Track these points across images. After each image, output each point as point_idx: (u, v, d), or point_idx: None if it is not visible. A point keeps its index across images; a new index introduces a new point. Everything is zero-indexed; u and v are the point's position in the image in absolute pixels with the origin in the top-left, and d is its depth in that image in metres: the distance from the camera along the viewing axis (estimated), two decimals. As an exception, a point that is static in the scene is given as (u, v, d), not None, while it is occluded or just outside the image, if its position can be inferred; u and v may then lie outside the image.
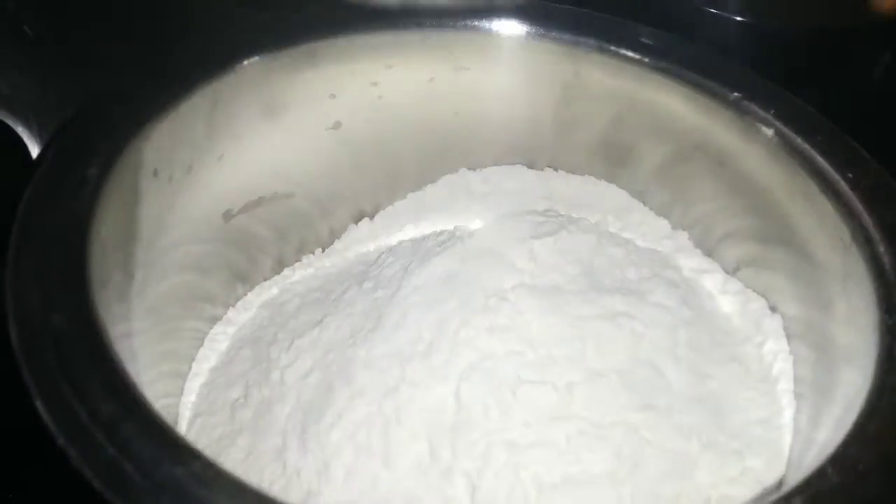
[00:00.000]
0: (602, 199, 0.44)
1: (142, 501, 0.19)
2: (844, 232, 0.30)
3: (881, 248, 0.29)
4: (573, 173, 0.44)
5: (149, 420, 0.20)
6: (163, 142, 0.32)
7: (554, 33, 0.39)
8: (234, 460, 0.33)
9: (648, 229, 0.42)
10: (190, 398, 0.37)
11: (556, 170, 0.44)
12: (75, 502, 0.23)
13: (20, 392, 0.22)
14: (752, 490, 0.30)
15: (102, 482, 0.19)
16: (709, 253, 0.41)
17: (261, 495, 0.19)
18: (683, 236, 0.42)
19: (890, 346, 0.25)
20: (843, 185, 0.31)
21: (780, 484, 0.30)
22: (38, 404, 0.20)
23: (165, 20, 0.41)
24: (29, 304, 0.23)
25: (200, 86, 0.34)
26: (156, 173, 0.32)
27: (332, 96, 0.40)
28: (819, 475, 0.21)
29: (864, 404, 0.23)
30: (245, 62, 0.36)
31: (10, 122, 0.38)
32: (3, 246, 0.25)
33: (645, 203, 0.43)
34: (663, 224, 0.42)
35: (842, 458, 0.21)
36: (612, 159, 0.43)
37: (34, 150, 0.38)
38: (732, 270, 0.39)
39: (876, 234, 0.29)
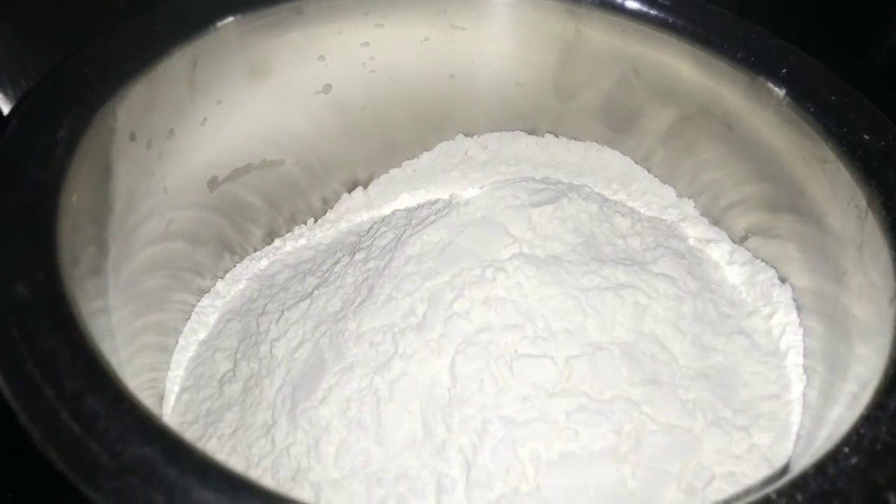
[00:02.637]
0: (605, 166, 0.42)
1: (108, 483, 0.18)
2: (860, 199, 0.29)
3: (900, 216, 0.27)
4: (575, 139, 0.43)
5: (117, 397, 0.19)
6: (140, 105, 0.30)
7: (554, -11, 0.37)
8: (222, 436, 0.32)
9: (653, 197, 0.41)
10: (178, 372, 0.36)
11: (556, 136, 0.43)
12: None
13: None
14: (759, 468, 0.29)
15: (67, 463, 0.18)
16: (716, 221, 0.39)
17: (232, 475, 0.18)
18: (689, 204, 0.40)
19: (908, 321, 0.24)
20: (859, 149, 0.30)
21: (787, 461, 0.29)
22: (1, 380, 0.19)
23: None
24: (-8, 274, 0.22)
25: (179, 45, 0.32)
26: (133, 137, 0.30)
27: (321, 58, 0.38)
28: (834, 456, 0.19)
29: (880, 382, 0.22)
30: (227, 20, 0.34)
31: (-19, 84, 0.36)
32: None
33: (650, 170, 0.42)
34: (668, 191, 0.41)
35: (857, 438, 0.20)
36: (615, 124, 0.41)
37: (6, 111, 0.36)
38: (740, 239, 0.38)
39: (894, 202, 0.28)
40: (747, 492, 0.25)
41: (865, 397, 0.22)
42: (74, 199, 0.25)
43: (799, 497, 0.18)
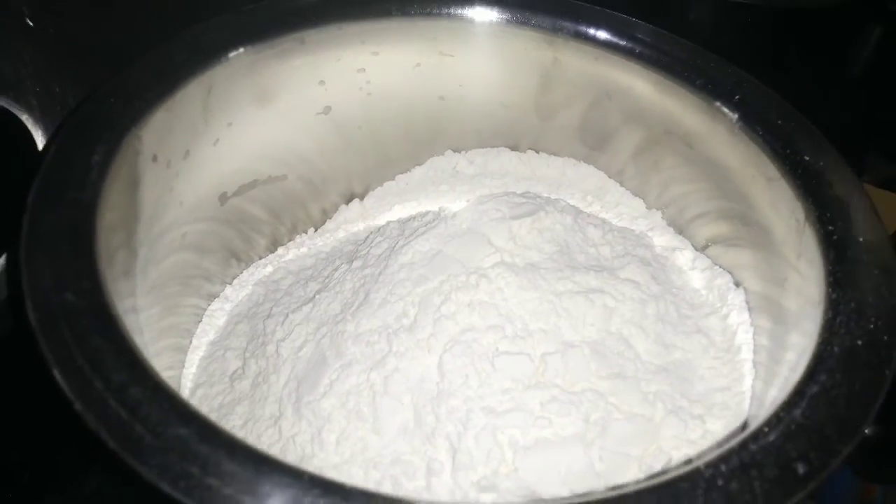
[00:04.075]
0: (581, 179, 0.46)
1: (152, 459, 0.21)
2: (800, 212, 0.32)
3: (832, 228, 0.31)
4: (554, 155, 0.46)
5: (156, 387, 0.23)
6: (161, 129, 0.34)
7: (534, 21, 0.41)
8: (234, 427, 0.35)
9: (625, 209, 0.44)
10: (191, 370, 0.39)
11: (537, 152, 0.46)
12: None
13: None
14: (711, 451, 0.32)
15: (116, 442, 0.21)
16: (681, 231, 0.43)
17: (255, 451, 0.22)
18: (657, 215, 0.44)
19: (831, 319, 0.27)
20: (800, 168, 0.33)
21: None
22: (56, 373, 0.23)
23: (164, 9, 0.42)
24: (43, 284, 0.25)
25: (195, 75, 0.35)
26: (155, 159, 0.34)
27: (322, 83, 0.41)
28: (756, 434, 0.23)
29: (804, 370, 0.26)
30: (238, 51, 0.37)
31: (15, 111, 0.40)
32: (15, 230, 0.27)
33: (622, 184, 0.45)
34: (639, 204, 0.44)
35: (777, 420, 0.24)
36: (590, 142, 0.45)
37: (38, 136, 0.40)
38: (702, 248, 0.41)
39: (828, 215, 0.31)
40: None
41: (793, 380, 0.26)
42: (108, 216, 0.29)
43: (723, 468, 0.22)
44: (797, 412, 0.24)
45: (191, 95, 0.35)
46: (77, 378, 0.23)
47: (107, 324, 0.24)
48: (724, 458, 0.22)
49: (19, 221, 0.28)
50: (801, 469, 0.22)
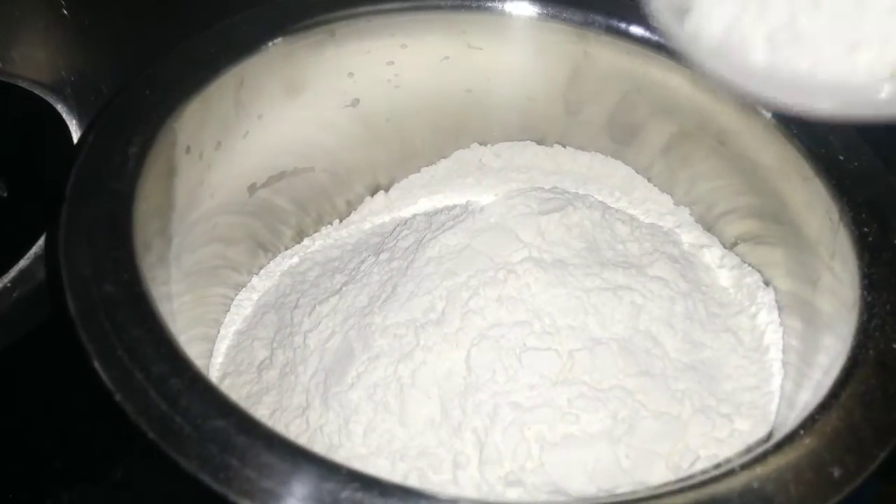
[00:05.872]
0: (609, 175, 0.46)
1: (191, 450, 0.21)
2: (834, 212, 0.32)
3: (867, 229, 0.31)
4: (581, 150, 0.46)
5: (195, 378, 0.23)
6: (194, 121, 0.34)
7: (564, 14, 0.41)
8: (262, 416, 0.35)
9: (652, 205, 0.44)
10: (218, 359, 0.39)
11: (564, 146, 0.46)
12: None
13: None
14: (739, 450, 0.32)
15: (157, 433, 0.22)
16: (709, 228, 0.43)
17: (290, 443, 0.22)
18: (685, 212, 0.43)
19: (866, 322, 0.27)
20: (835, 168, 0.33)
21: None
22: (96, 364, 0.23)
23: (196, 1, 0.42)
24: (82, 275, 0.25)
25: (227, 67, 0.36)
26: (188, 150, 0.34)
27: (350, 75, 0.41)
28: (791, 437, 0.23)
29: (839, 373, 0.26)
30: (269, 43, 0.37)
31: (51, 100, 0.40)
32: (50, 217, 0.28)
33: (650, 179, 0.45)
34: (666, 200, 0.44)
35: (812, 423, 0.24)
36: (618, 137, 0.44)
37: (72, 125, 0.40)
38: (730, 245, 0.41)
39: (863, 216, 0.31)
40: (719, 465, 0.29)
41: (827, 384, 0.26)
42: (143, 205, 0.29)
43: (759, 470, 0.22)
44: (832, 415, 0.24)
45: (223, 87, 0.36)
46: (117, 369, 0.23)
47: (145, 315, 0.24)
48: (758, 460, 0.22)
49: (54, 208, 0.28)
50: (836, 473, 0.22)
